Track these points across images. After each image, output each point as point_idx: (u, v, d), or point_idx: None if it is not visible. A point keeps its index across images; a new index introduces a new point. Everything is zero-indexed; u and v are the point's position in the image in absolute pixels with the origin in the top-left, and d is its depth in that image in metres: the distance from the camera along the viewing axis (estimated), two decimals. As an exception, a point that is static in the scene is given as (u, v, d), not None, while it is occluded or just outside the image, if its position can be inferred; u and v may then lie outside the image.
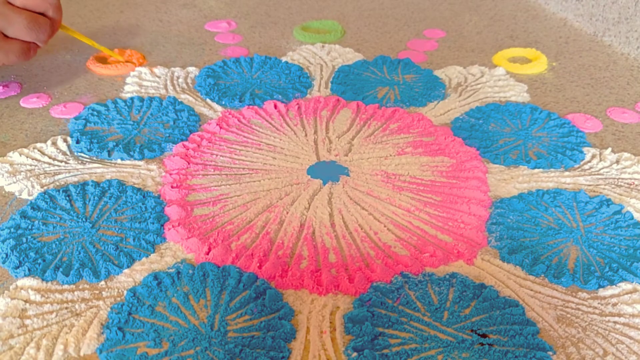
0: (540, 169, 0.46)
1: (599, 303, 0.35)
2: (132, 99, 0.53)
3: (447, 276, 0.36)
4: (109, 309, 0.33)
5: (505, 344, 0.32)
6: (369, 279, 0.36)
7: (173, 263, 0.37)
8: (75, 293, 0.34)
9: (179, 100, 0.53)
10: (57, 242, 0.38)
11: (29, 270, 0.35)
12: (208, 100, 0.54)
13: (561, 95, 0.56)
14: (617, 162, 0.46)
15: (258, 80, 0.57)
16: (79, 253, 0.37)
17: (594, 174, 0.45)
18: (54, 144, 0.47)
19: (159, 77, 0.57)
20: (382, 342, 0.32)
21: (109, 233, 0.39)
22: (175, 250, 0.38)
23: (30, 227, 0.39)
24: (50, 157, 0.45)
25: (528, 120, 0.51)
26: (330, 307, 0.34)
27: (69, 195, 0.41)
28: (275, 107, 0.52)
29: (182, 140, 0.48)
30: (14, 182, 0.42)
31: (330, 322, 0.33)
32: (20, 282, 0.35)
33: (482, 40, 0.66)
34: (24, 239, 0.38)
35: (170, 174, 0.44)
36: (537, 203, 0.42)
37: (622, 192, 0.43)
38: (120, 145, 0.46)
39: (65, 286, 0.35)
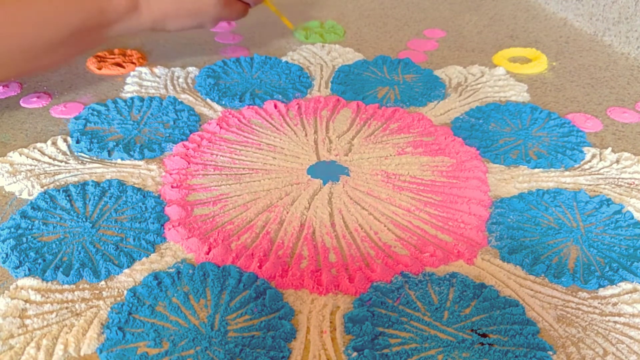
0: (541, 169, 0.46)
1: (599, 303, 0.35)
2: (132, 98, 0.53)
3: (447, 276, 0.36)
4: (109, 309, 0.33)
5: (506, 343, 0.32)
6: (369, 279, 0.36)
7: (173, 263, 0.37)
8: (76, 293, 0.34)
9: (179, 100, 0.53)
10: (57, 242, 0.38)
11: (29, 270, 0.35)
12: (208, 100, 0.54)
13: (561, 95, 0.56)
14: (617, 161, 0.46)
15: (258, 80, 0.57)
16: (79, 253, 0.37)
17: (594, 174, 0.45)
18: (54, 144, 0.47)
19: (159, 77, 0.57)
20: (382, 341, 0.32)
21: (109, 233, 0.39)
22: (175, 250, 0.38)
23: (30, 227, 0.39)
24: (50, 157, 0.45)
25: (528, 120, 0.51)
26: (330, 307, 0.34)
27: (69, 195, 0.41)
28: (275, 107, 0.52)
29: (182, 140, 0.48)
30: (14, 182, 0.42)
31: (331, 322, 0.33)
32: (21, 282, 0.35)
33: (482, 40, 0.66)
34: (24, 239, 0.38)
35: (170, 174, 0.44)
36: (537, 203, 0.42)
37: (622, 192, 0.43)
38: (120, 145, 0.46)
39: (66, 286, 0.35)
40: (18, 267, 0.36)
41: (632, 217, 0.40)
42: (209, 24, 0.55)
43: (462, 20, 0.72)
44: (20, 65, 0.47)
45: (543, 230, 0.39)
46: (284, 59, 0.61)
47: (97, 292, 0.35)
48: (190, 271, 0.36)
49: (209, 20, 0.54)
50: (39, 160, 0.45)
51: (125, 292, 0.34)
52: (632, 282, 0.36)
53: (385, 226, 0.40)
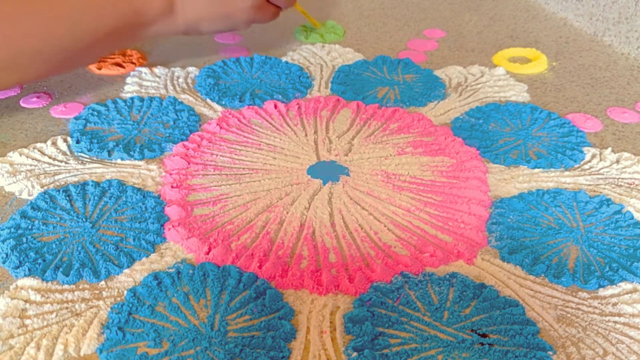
0: (540, 169, 0.46)
1: (599, 303, 0.35)
2: (132, 98, 0.53)
3: (447, 276, 0.36)
4: (109, 309, 0.33)
5: (506, 343, 0.32)
6: (369, 279, 0.36)
7: (173, 263, 0.37)
8: (76, 293, 0.34)
9: (179, 100, 0.53)
10: (57, 242, 0.38)
11: (29, 270, 0.35)
12: (208, 100, 0.54)
13: (561, 95, 0.56)
14: (617, 161, 0.46)
15: (258, 80, 0.57)
16: (79, 253, 0.37)
17: (594, 174, 0.45)
18: (54, 144, 0.47)
19: (159, 77, 0.57)
20: (382, 342, 0.32)
21: (109, 233, 0.39)
22: (175, 250, 0.38)
23: (30, 227, 0.39)
24: (50, 157, 0.45)
25: (528, 120, 0.51)
26: (330, 307, 0.34)
27: (69, 195, 0.41)
28: (275, 107, 0.52)
29: (182, 140, 0.48)
30: (14, 182, 0.42)
31: (331, 322, 0.33)
32: (21, 282, 0.35)
33: (482, 40, 0.66)
34: (24, 239, 0.38)
35: (170, 174, 0.44)
36: (537, 203, 0.42)
37: (622, 192, 0.43)
38: (120, 145, 0.46)
39: (66, 286, 0.35)
40: (18, 267, 0.36)
41: (632, 217, 0.40)
42: (242, 27, 0.55)
43: (462, 20, 0.72)
44: (54, 64, 0.47)
45: (543, 230, 0.39)
46: (284, 59, 0.61)
47: (97, 292, 0.35)
48: (190, 271, 0.36)
49: (241, 24, 0.54)
50: (39, 160, 0.45)
51: (125, 292, 0.34)
52: (632, 282, 0.36)
53: (385, 226, 0.40)
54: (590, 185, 0.44)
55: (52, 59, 0.46)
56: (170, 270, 0.36)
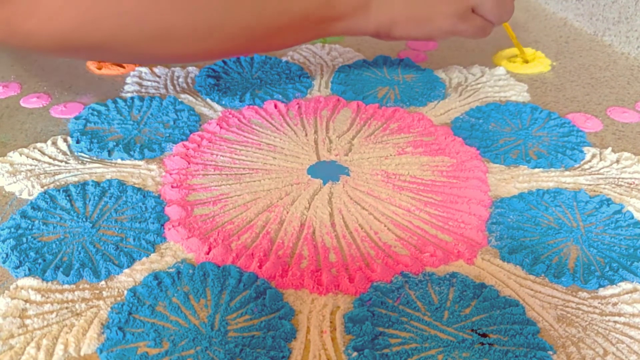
0: (541, 169, 0.46)
1: (599, 303, 0.35)
2: (132, 98, 0.53)
3: (448, 276, 0.36)
4: (109, 309, 0.33)
5: (506, 343, 0.32)
6: (369, 279, 0.36)
7: (173, 263, 0.37)
8: (76, 293, 0.34)
9: (179, 100, 0.53)
10: (57, 242, 0.38)
11: (29, 270, 0.35)
12: (208, 100, 0.54)
13: (561, 95, 0.56)
14: (617, 161, 0.46)
15: (258, 80, 0.57)
16: (79, 253, 0.37)
17: (594, 174, 0.45)
18: (54, 143, 0.47)
19: (159, 77, 0.57)
20: (383, 341, 0.32)
21: (109, 233, 0.39)
22: (175, 250, 0.38)
23: (30, 227, 0.39)
24: (50, 157, 0.45)
25: (528, 120, 0.51)
26: (330, 306, 0.34)
27: (69, 195, 0.41)
28: (276, 106, 0.52)
29: (182, 140, 0.48)
30: (14, 182, 0.42)
31: (331, 322, 0.33)
32: (21, 282, 0.35)
33: (482, 40, 0.66)
34: (24, 239, 0.38)
35: (171, 174, 0.44)
36: (537, 203, 0.42)
37: (622, 192, 0.43)
38: (120, 145, 0.46)
39: (66, 286, 0.35)
40: (18, 267, 0.36)
41: (632, 217, 0.40)
42: (440, 36, 0.50)
43: (462, 20, 0.71)
44: (235, 44, 0.45)
45: (543, 230, 0.39)
46: (284, 58, 0.61)
47: (97, 292, 0.35)
48: (190, 271, 0.36)
49: (440, 32, 0.49)
50: (39, 160, 0.45)
51: (125, 292, 0.34)
52: (632, 282, 0.36)
53: (385, 226, 0.40)
54: (590, 185, 0.44)
55: (233, 37, 0.44)
56: (171, 270, 0.36)
